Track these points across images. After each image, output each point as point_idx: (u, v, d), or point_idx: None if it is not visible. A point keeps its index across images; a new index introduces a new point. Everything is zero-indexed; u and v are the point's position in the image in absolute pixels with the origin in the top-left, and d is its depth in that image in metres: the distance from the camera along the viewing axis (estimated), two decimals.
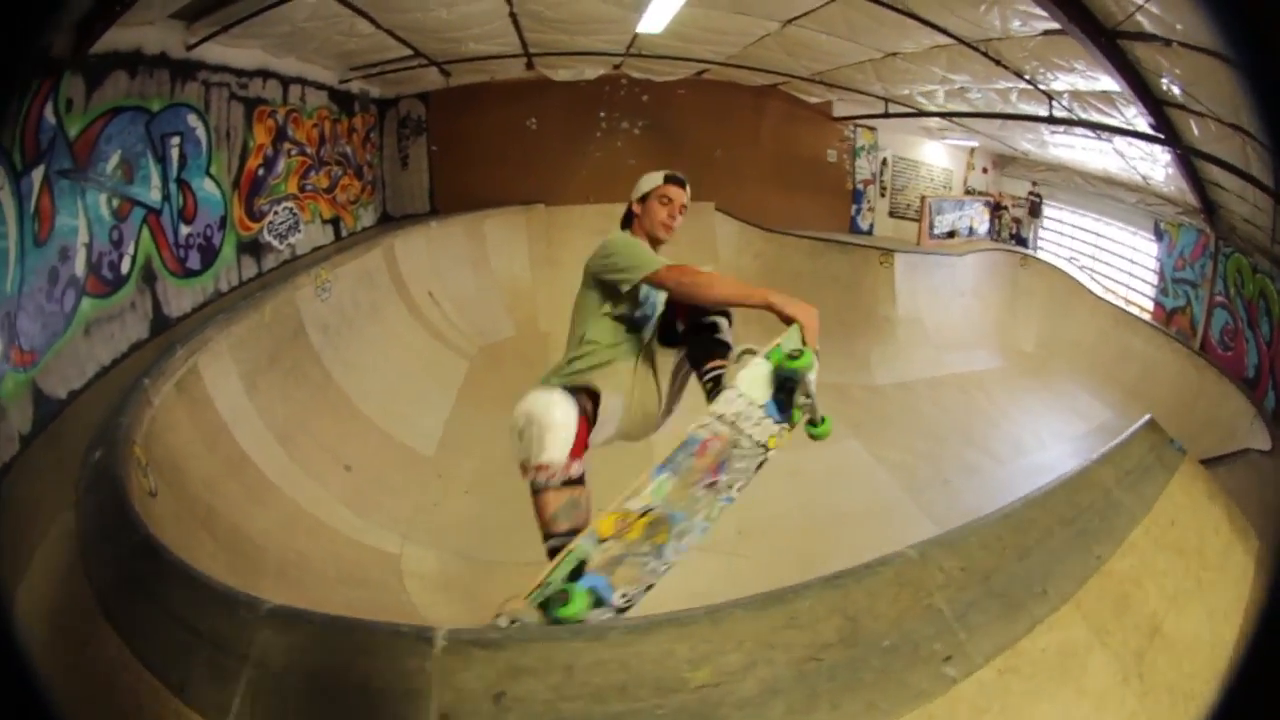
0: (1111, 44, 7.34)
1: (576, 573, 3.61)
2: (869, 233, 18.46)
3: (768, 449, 4.12)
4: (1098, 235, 15.70)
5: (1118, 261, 14.99)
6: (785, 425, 4.13)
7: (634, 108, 17.11)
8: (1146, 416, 5.03)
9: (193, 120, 8.99)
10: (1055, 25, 7.78)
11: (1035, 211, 17.33)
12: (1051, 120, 10.74)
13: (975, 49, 9.33)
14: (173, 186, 8.55)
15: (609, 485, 4.25)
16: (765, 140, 17.84)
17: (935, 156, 18.65)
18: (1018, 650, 3.28)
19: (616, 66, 15.51)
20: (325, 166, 13.25)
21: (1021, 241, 17.63)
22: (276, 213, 11.34)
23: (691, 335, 4.40)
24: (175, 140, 8.61)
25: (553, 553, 3.78)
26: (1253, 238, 10.30)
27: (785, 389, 4.10)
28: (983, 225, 18.20)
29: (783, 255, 16.66)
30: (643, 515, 3.80)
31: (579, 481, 4.07)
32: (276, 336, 9.12)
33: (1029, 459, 11.37)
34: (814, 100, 17.09)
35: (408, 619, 6.75)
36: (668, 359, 4.71)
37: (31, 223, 6.11)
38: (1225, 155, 8.41)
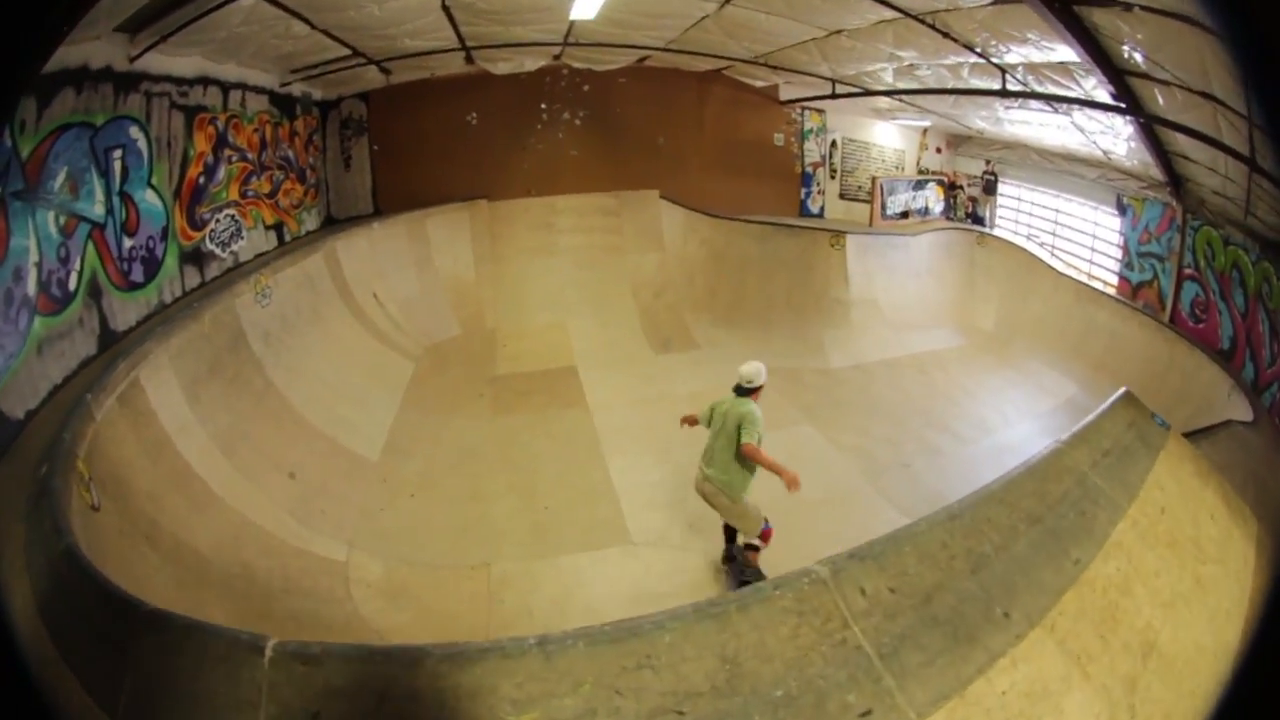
0: (1067, 10, 7.26)
1: None
2: (819, 216, 18.72)
3: None
4: (1057, 211, 16.02)
5: (1079, 237, 15.29)
6: None
7: (575, 98, 17.27)
8: (1122, 389, 4.93)
9: (134, 132, 9.11)
10: None
11: (991, 189, 17.68)
12: (1005, 94, 10.77)
13: (922, 22, 9.30)
14: (115, 200, 8.69)
15: None
16: (710, 126, 18.07)
17: (887, 138, 18.92)
18: (968, 698, 2.72)
19: (556, 57, 15.66)
20: (267, 171, 13.33)
21: (978, 220, 17.98)
22: (218, 220, 11.43)
23: None
24: (117, 153, 8.73)
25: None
26: (1224, 210, 10.47)
27: None
28: (937, 205, 18.56)
29: (730, 241, 16.92)
30: None
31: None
32: (216, 346, 9.26)
33: (994, 437, 11.59)
34: (759, 84, 17.32)
35: (355, 628, 7.05)
36: None
37: None
38: (1194, 125, 8.34)
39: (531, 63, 15.82)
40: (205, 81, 10.94)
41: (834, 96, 15.32)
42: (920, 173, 18.94)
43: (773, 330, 15.18)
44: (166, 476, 7.22)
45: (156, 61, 9.34)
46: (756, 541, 7.67)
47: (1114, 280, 14.02)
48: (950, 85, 12.05)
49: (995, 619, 2.96)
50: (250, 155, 12.69)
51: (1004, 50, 9.63)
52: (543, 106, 17.28)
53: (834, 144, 18.75)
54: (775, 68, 14.77)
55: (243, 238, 12.21)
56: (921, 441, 11.32)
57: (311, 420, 10.13)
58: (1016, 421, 12.07)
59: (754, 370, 7.80)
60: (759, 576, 7.44)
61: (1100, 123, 11.32)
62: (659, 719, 2.43)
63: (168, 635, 3.21)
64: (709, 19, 11.51)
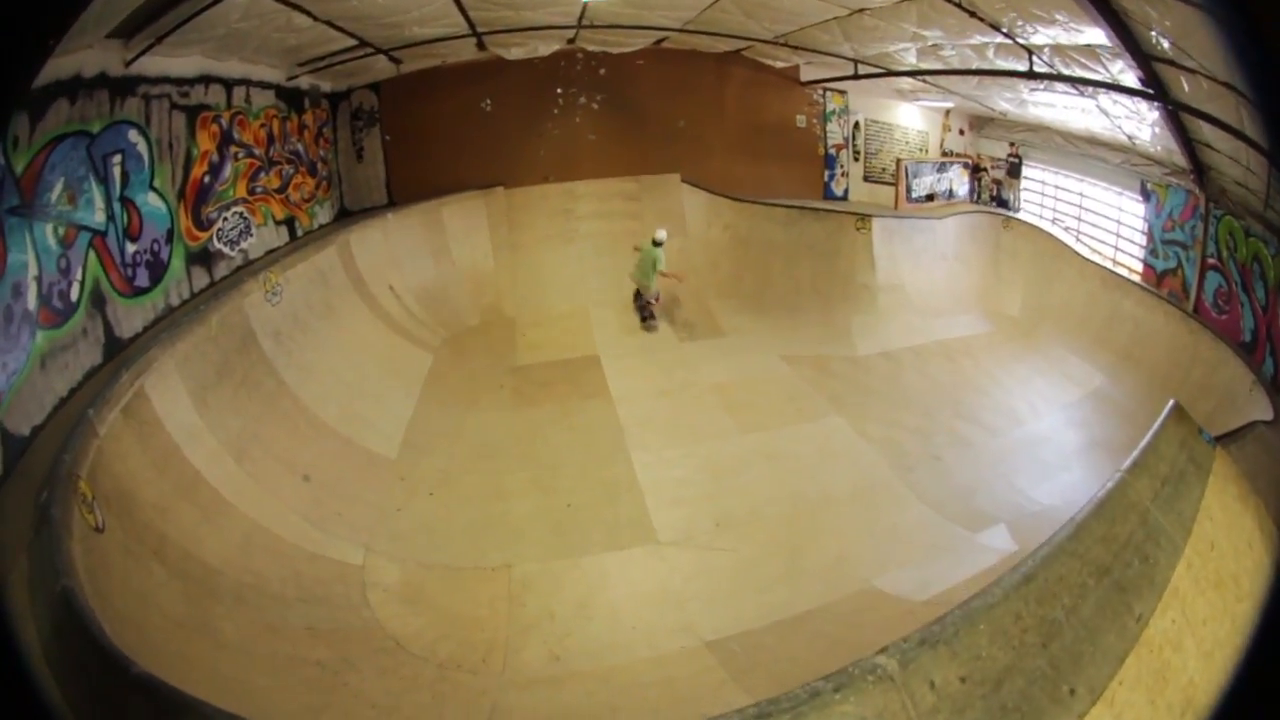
0: None
1: None
2: (843, 199, 18.50)
3: None
4: (1081, 196, 15.71)
5: (1104, 222, 15.01)
6: None
7: (592, 82, 17.12)
8: (1171, 403, 4.74)
9: (134, 136, 9.08)
10: None
11: (1015, 172, 17.38)
12: (1032, 75, 10.66)
13: (948, 1, 9.28)
14: (116, 205, 8.68)
15: None
16: (731, 108, 17.88)
17: (910, 119, 18.66)
18: None
19: (571, 41, 15.54)
20: (276, 166, 13.32)
21: (1003, 203, 17.69)
22: (226, 219, 11.42)
23: None
24: (116, 159, 8.71)
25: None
26: (1245, 201, 10.31)
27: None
28: (962, 187, 18.27)
29: (754, 225, 16.81)
30: None
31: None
32: (224, 348, 9.23)
33: (1024, 429, 11.48)
34: (780, 65, 17.14)
35: (372, 635, 7.02)
36: None
37: None
38: (1218, 114, 8.29)
39: (545, 47, 15.71)
40: (207, 80, 10.90)
41: (856, 78, 15.13)
42: (944, 155, 18.66)
43: (799, 316, 15.11)
44: (174, 486, 7.22)
45: (154, 64, 9.30)
46: (652, 301, 14.68)
47: (1139, 267, 13.77)
48: (975, 66, 11.91)
49: (1061, 698, 2.91)
50: (257, 151, 12.66)
51: (1031, 31, 9.49)
52: (559, 91, 17.15)
53: (856, 125, 18.52)
54: (796, 48, 14.61)
55: (252, 235, 12.21)
56: (951, 433, 11.19)
57: (326, 419, 10.10)
58: (1045, 412, 11.93)
59: (662, 234, 14.71)
60: (652, 315, 14.71)
61: (1126, 107, 11.14)
62: None
63: (158, 700, 3.29)
64: None
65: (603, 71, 16.98)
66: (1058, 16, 8.62)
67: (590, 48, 16.34)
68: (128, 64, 8.75)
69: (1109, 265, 14.18)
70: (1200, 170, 11.14)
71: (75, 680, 3.78)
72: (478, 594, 7.86)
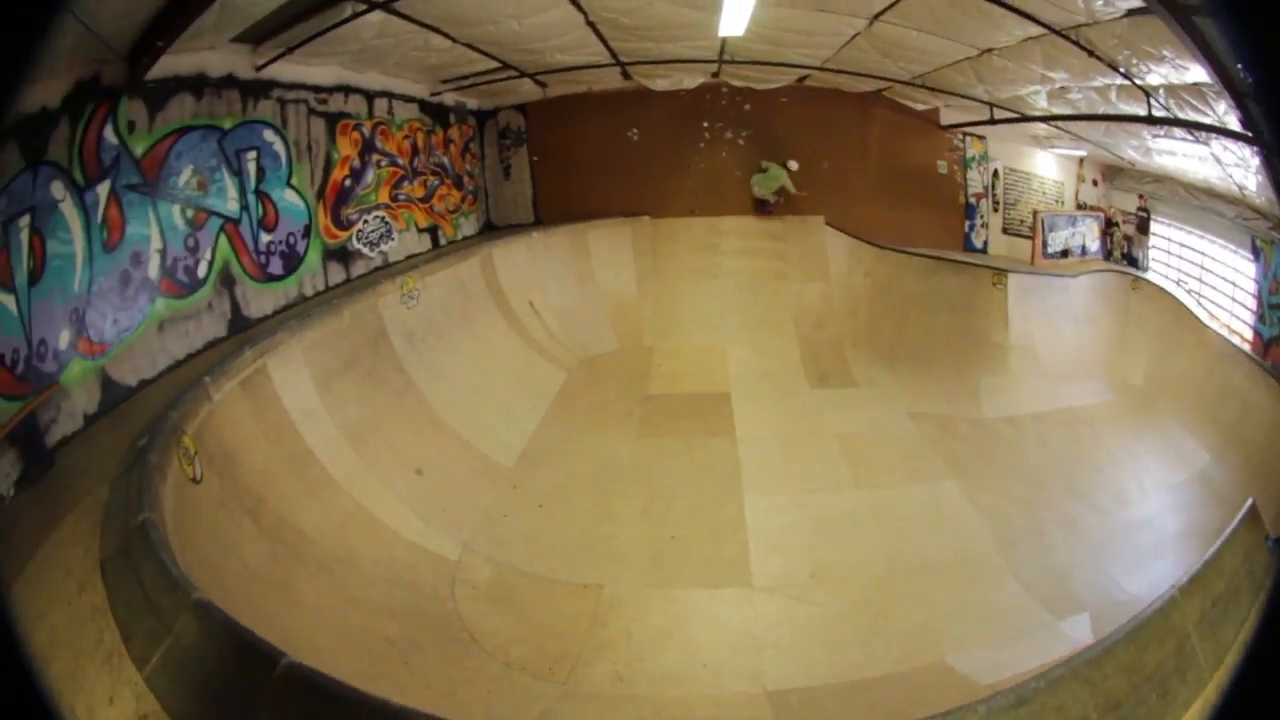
0: (1189, 21, 6.84)
1: None
2: (983, 250, 17.91)
3: None
4: (1202, 255, 14.86)
5: (1220, 284, 14.16)
6: None
7: (737, 117, 17.11)
8: (1249, 503, 4.46)
9: (269, 135, 9.78)
10: (1137, 3, 7.45)
11: (1144, 228, 16.53)
12: (1151, 120, 10.36)
13: (1065, 37, 9.07)
14: (250, 198, 9.37)
15: None
16: (873, 150, 17.55)
17: (1046, 168, 18.04)
18: None
19: (715, 75, 15.69)
20: (420, 176, 13.95)
21: (1133, 261, 16.82)
22: (366, 221, 12.06)
23: None
24: (251, 155, 9.41)
25: None
26: None
27: None
28: (1094, 243, 17.45)
29: (894, 274, 16.37)
30: None
31: None
32: (355, 342, 9.69)
33: (1129, 511, 10.82)
34: (920, 107, 16.85)
35: (450, 626, 7.17)
36: None
37: (100, 231, 6.95)
38: None
39: (690, 80, 15.96)
40: (346, 90, 11.54)
41: (993, 122, 14.85)
42: (1079, 206, 17.93)
43: (931, 371, 14.62)
44: (284, 459, 7.61)
45: (289, 70, 9.94)
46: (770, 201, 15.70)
47: (1249, 334, 12.86)
48: (1100, 110, 11.67)
49: None
50: (401, 160, 13.30)
51: (1145, 70, 9.32)
52: (704, 125, 17.20)
53: (996, 174, 17.93)
54: (933, 89, 14.39)
55: (393, 239, 12.81)
56: (1059, 509, 10.63)
57: (448, 421, 10.37)
58: (1152, 494, 11.19)
59: (794, 164, 15.64)
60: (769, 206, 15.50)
61: (1234, 154, 10.64)
62: None
63: (210, 621, 3.57)
64: (861, 36, 11.34)
65: (748, 107, 16.99)
66: (1165, 53, 8.43)
67: (735, 82, 16.41)
68: (258, 69, 9.38)
69: (1225, 332, 13.32)
70: None
71: (128, 591, 4.01)
72: (564, 607, 7.91)
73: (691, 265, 16.81)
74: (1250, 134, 8.58)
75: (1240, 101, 7.85)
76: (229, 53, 8.83)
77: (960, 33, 10.26)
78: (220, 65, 8.77)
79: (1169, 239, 15.99)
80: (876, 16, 10.17)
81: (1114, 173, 17.50)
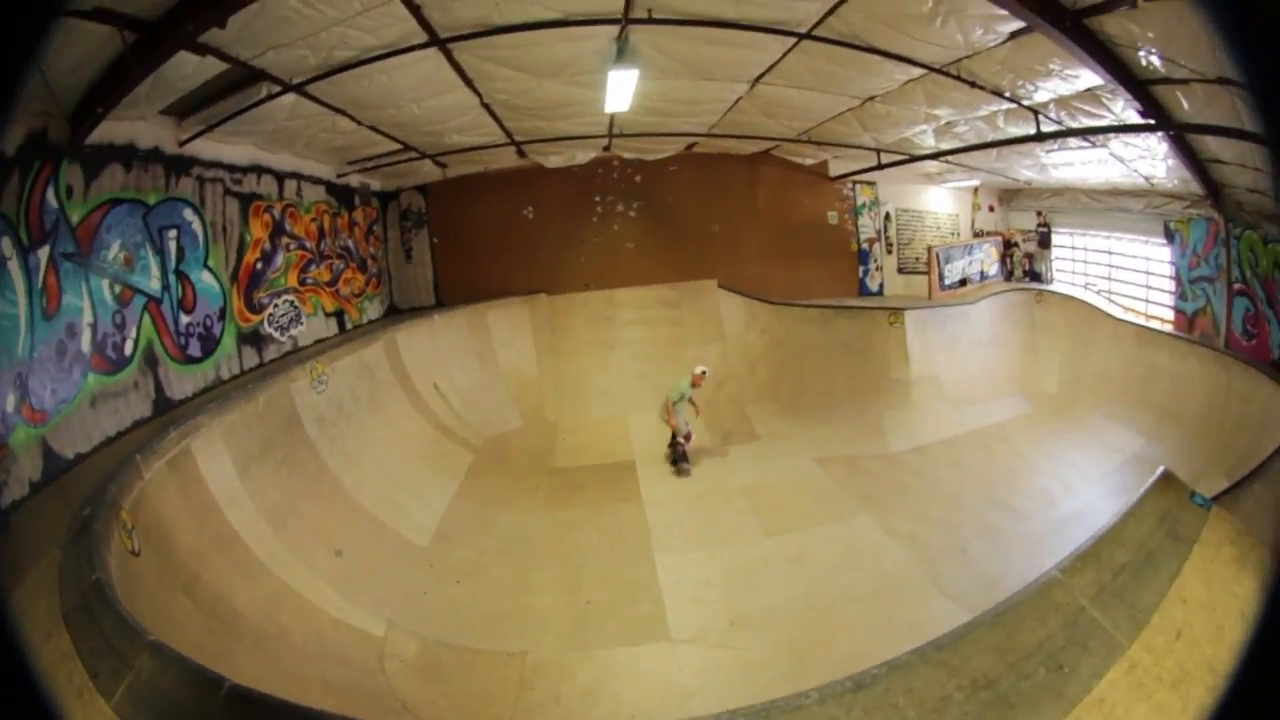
0: (1079, 26, 7.18)
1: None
2: (879, 293, 18.68)
3: None
4: (1109, 254, 15.93)
5: (1133, 276, 15.16)
6: None
7: (628, 189, 17.81)
8: (1160, 471, 4.47)
9: (189, 214, 9.89)
10: (1019, 24, 7.68)
11: (1045, 242, 17.59)
12: (1041, 137, 10.87)
13: (946, 74, 9.51)
14: (171, 277, 9.44)
15: None
16: (763, 209, 18.30)
17: (940, 203, 18.98)
18: None
19: (606, 149, 16.29)
20: (326, 260, 14.14)
21: (1035, 276, 17.83)
22: (277, 305, 12.14)
23: None
24: (172, 233, 9.52)
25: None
26: (1260, 206, 10.41)
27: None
28: (994, 267, 18.41)
29: (790, 327, 16.97)
30: None
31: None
32: (270, 426, 9.71)
33: (1055, 510, 11.26)
34: (809, 161, 17.64)
35: (384, 698, 7.20)
36: None
37: (40, 297, 7.01)
38: (1217, 121, 8.33)
39: (583, 155, 16.52)
40: (259, 170, 11.76)
41: (880, 167, 15.49)
42: (975, 234, 18.87)
43: (834, 417, 15.08)
44: (212, 539, 7.57)
45: (208, 147, 10.15)
46: (682, 440, 13.24)
47: (1170, 316, 13.84)
48: (990, 138, 12.19)
49: None
50: (309, 244, 13.47)
51: (1032, 89, 9.77)
52: (597, 199, 17.83)
53: (888, 216, 18.78)
54: (820, 143, 15.07)
55: (302, 323, 12.90)
56: (979, 522, 11.01)
57: (364, 504, 10.44)
58: (1080, 487, 11.71)
59: (701, 368, 13.56)
60: (684, 457, 13.31)
61: (1137, 148, 11.34)
62: None
63: (163, 657, 4.01)
64: (744, 100, 11.93)
65: (638, 178, 17.69)
66: (1052, 66, 8.83)
67: (626, 154, 17.03)
68: (181, 144, 9.57)
69: (1141, 321, 14.22)
70: (1215, 190, 11.28)
71: (91, 639, 4.31)
72: (491, 675, 7.96)
73: (589, 339, 17.29)
74: (1154, 121, 8.94)
75: (1139, 92, 8.31)
76: (157, 125, 9.05)
77: (840, 85, 10.75)
78: (149, 137, 8.96)
79: (1073, 247, 17.03)
80: (758, 79, 10.70)
81: (1010, 195, 18.53)
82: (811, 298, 17.38)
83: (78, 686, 4.00)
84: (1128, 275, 15.40)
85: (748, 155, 17.38)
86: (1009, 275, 18.51)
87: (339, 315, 14.52)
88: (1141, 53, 7.55)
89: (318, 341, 13.29)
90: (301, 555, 8.62)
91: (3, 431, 6.37)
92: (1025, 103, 10.20)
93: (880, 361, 15.58)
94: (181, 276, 9.67)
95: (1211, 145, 9.72)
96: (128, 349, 8.45)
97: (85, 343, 7.67)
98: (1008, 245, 18.54)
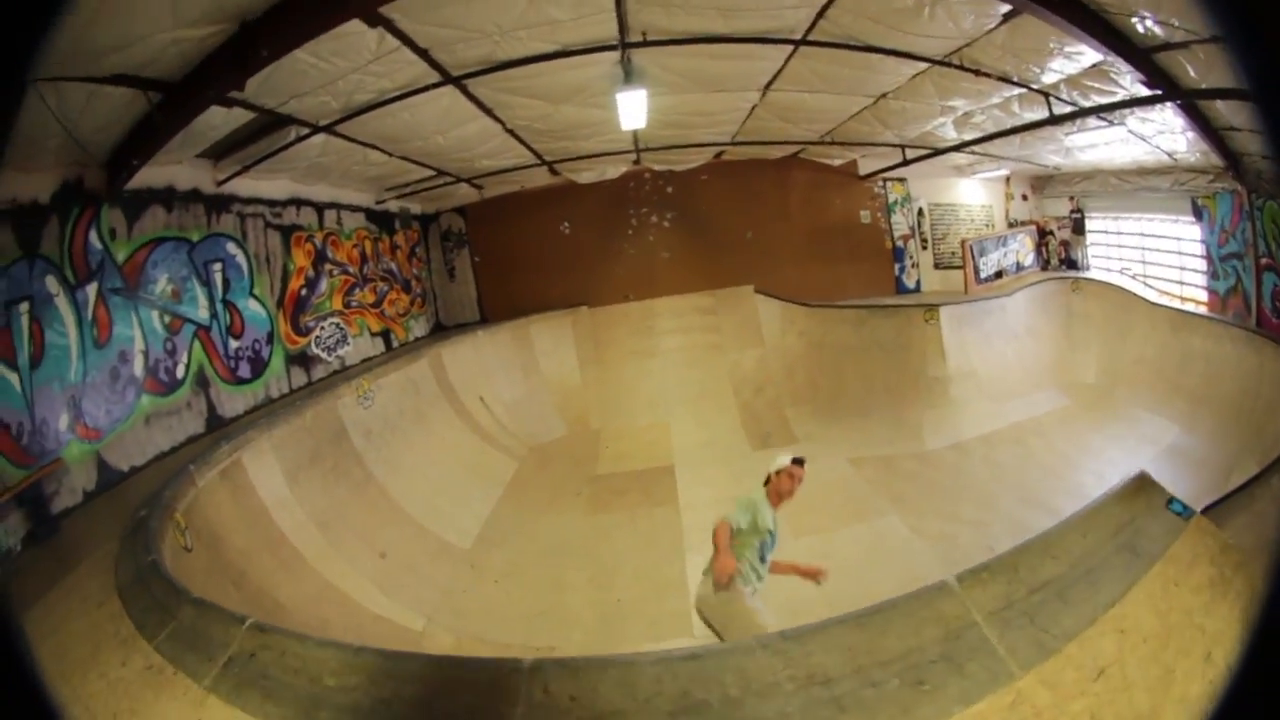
0: (1070, 1, 7.11)
1: None
2: (916, 290, 18.69)
3: None
4: (1142, 236, 15.79)
5: (1166, 258, 15.01)
6: None
7: (661, 200, 18.26)
8: (1135, 473, 4.16)
9: (232, 248, 10.79)
10: (1008, 6, 7.58)
11: (1079, 229, 17.50)
12: (1056, 120, 10.80)
13: (948, 64, 9.50)
14: (219, 306, 10.36)
15: None
16: (795, 213, 18.54)
17: (971, 195, 18.93)
18: None
19: (636, 162, 16.78)
20: (370, 283, 15.02)
21: (1072, 264, 17.70)
22: (323, 328, 13.02)
23: None
24: (217, 266, 10.43)
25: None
26: (1276, 173, 9.83)
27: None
28: (1029, 257, 18.29)
29: (827, 329, 17.06)
30: None
31: None
32: (318, 438, 10.46)
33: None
34: (837, 162, 17.85)
35: None
36: None
37: (91, 328, 7.94)
38: (1223, 84, 8.01)
39: (613, 170, 17.11)
40: (298, 202, 12.62)
41: (906, 163, 15.61)
42: (1010, 225, 18.74)
43: (871, 417, 15.14)
44: (261, 540, 8.34)
45: (246, 185, 10.99)
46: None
47: (1203, 297, 13.66)
48: (1009, 125, 12.20)
49: None
50: (352, 269, 14.35)
51: (1039, 71, 9.72)
52: (631, 211, 18.35)
53: (920, 212, 18.81)
54: (845, 143, 15.30)
55: (348, 344, 13.77)
56: (1011, 521, 10.77)
57: (408, 509, 11.09)
58: (1114, 481, 11.53)
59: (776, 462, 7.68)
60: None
61: (1154, 122, 11.17)
62: None
63: (204, 608, 4.67)
64: (758, 108, 12.27)
65: (670, 189, 18.13)
66: (1052, 45, 8.72)
67: (656, 166, 17.51)
68: (219, 184, 10.43)
69: (1176, 304, 14.04)
70: (1234, 160, 11.04)
71: (140, 601, 5.02)
72: None
73: (630, 348, 17.72)
74: (1161, 90, 8.68)
75: (1141, 61, 8.10)
76: (194, 167, 9.88)
77: (849, 85, 10.94)
78: (187, 179, 9.81)
79: (1106, 231, 16.91)
80: (767, 87, 10.99)
81: (1043, 183, 18.40)
82: (848, 298, 17.51)
83: (122, 636, 4.66)
84: (1161, 257, 15.24)
85: (776, 160, 17.64)
86: (1045, 264, 18.40)
87: (385, 334, 15.39)
88: (1137, 19, 7.40)
89: (365, 360, 14.11)
90: (345, 556, 9.29)
91: (56, 447, 7.26)
92: (1035, 86, 10.20)
93: (917, 359, 15.56)
94: (229, 305, 10.58)
95: (1224, 112, 9.59)
96: (179, 372, 9.37)
97: (138, 368, 8.61)
98: (1042, 234, 18.44)
